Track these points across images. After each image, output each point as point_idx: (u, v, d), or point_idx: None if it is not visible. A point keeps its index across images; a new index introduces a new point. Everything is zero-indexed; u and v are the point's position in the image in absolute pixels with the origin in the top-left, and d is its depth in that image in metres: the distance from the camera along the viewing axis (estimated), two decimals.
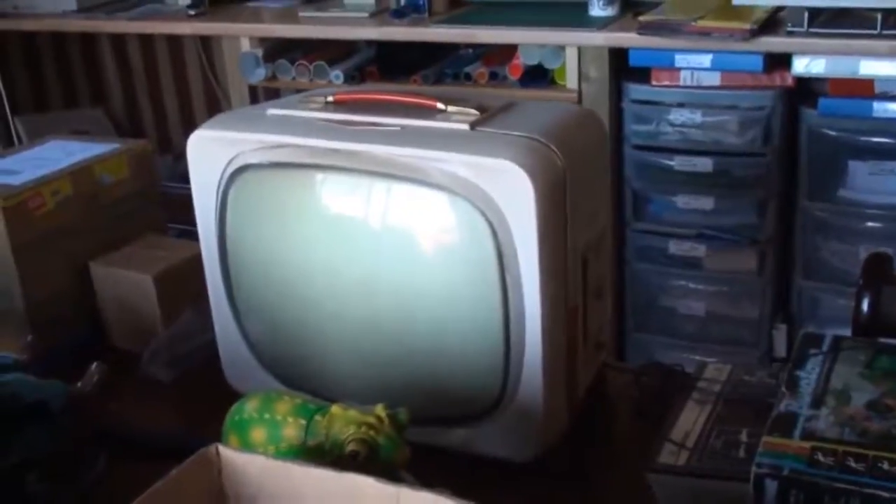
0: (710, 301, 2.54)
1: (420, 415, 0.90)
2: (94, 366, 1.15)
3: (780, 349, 2.51)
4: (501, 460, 1.02)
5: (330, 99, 1.08)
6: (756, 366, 1.15)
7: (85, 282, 1.32)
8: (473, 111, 1.01)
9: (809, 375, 0.94)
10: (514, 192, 0.93)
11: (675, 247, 2.52)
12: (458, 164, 0.95)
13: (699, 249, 2.50)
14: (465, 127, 0.99)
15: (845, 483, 0.79)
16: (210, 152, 1.08)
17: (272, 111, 1.09)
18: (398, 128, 1.01)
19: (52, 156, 1.39)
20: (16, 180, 1.30)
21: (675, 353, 2.52)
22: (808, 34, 2.22)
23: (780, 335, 2.51)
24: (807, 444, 0.83)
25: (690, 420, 1.02)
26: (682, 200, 2.48)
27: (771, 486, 0.82)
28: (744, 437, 0.98)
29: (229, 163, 1.06)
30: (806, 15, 2.21)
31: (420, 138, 0.99)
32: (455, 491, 0.75)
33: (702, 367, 1.12)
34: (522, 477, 1.02)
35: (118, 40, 3.54)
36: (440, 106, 1.03)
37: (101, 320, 1.33)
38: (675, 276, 2.55)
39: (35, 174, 1.31)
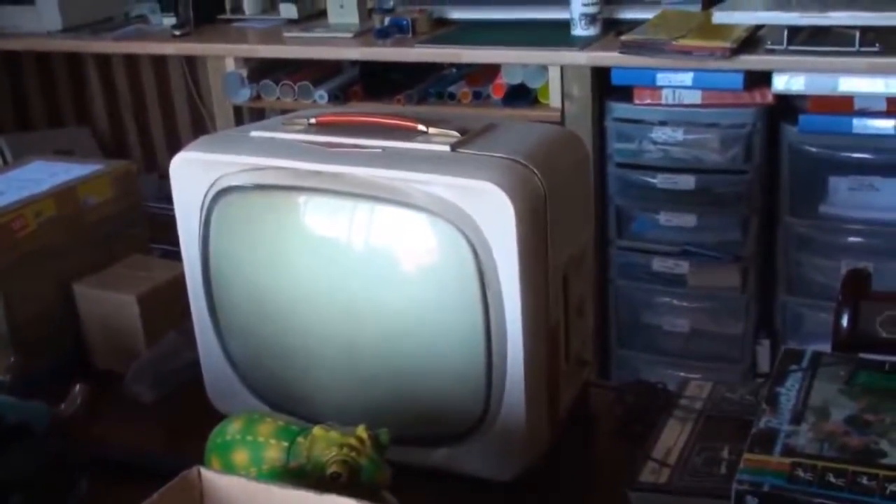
0: (694, 317, 2.55)
1: (403, 434, 0.90)
2: (77, 387, 1.15)
3: (765, 365, 2.52)
4: (483, 479, 1.03)
5: (312, 121, 1.09)
6: (737, 383, 1.16)
7: (68, 303, 1.32)
8: (454, 133, 1.02)
9: (789, 392, 0.94)
10: (495, 212, 0.93)
11: (658, 264, 2.52)
12: (439, 185, 0.96)
13: (682, 266, 2.50)
14: (446, 148, 1.00)
15: (825, 499, 0.80)
16: (193, 174, 1.08)
17: (255, 133, 1.10)
18: (380, 150, 1.02)
19: (36, 177, 1.39)
20: None
21: (660, 370, 2.53)
22: (787, 52, 2.24)
23: (763, 351, 2.52)
24: (787, 461, 0.84)
25: (672, 437, 1.03)
26: (665, 218, 2.49)
27: (752, 503, 0.82)
28: (725, 453, 0.99)
29: (212, 185, 1.07)
30: (785, 33, 2.23)
31: (401, 160, 0.99)
32: None
33: (683, 384, 1.13)
34: (504, 496, 1.02)
35: (103, 60, 3.54)
36: (421, 128, 1.04)
37: (85, 341, 1.33)
38: (659, 293, 2.56)
39: (18, 195, 1.31)
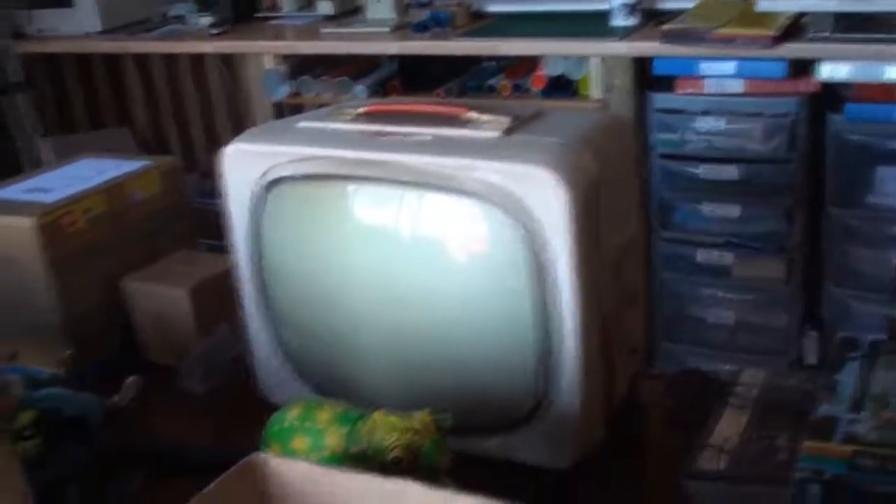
0: (739, 309, 2.53)
1: (456, 423, 0.90)
2: (130, 380, 1.16)
3: (811, 357, 2.49)
4: (538, 468, 1.02)
5: (361, 110, 1.09)
6: (792, 371, 1.15)
7: (119, 297, 1.33)
8: (504, 119, 1.02)
9: (847, 379, 0.93)
10: (548, 198, 0.93)
11: (702, 255, 2.50)
12: (490, 171, 0.95)
13: (727, 258, 2.48)
14: (497, 134, 1.00)
15: (888, 486, 0.79)
16: (243, 165, 1.08)
17: (303, 124, 1.10)
18: (429, 137, 1.01)
19: (84, 174, 1.40)
20: (49, 198, 1.31)
21: (705, 363, 2.51)
22: (832, 39, 2.21)
23: (810, 342, 2.50)
24: (848, 448, 0.83)
25: (728, 425, 1.02)
26: (709, 208, 2.47)
27: (813, 491, 0.81)
28: (783, 441, 0.97)
29: (262, 175, 1.07)
30: (830, 20, 2.20)
31: (452, 147, 0.99)
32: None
33: (738, 372, 1.12)
34: (559, 485, 1.01)
35: (142, 60, 3.57)
36: (471, 114, 1.03)
37: (136, 335, 1.34)
38: (704, 285, 2.54)
39: (67, 192, 1.33)
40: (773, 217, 2.45)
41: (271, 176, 1.06)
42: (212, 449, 1.12)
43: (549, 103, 2.54)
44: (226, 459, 0.83)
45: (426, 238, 1.02)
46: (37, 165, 3.23)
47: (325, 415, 0.88)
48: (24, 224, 1.25)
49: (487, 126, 1.01)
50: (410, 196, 1.01)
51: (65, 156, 1.79)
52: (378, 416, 0.84)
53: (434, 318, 1.02)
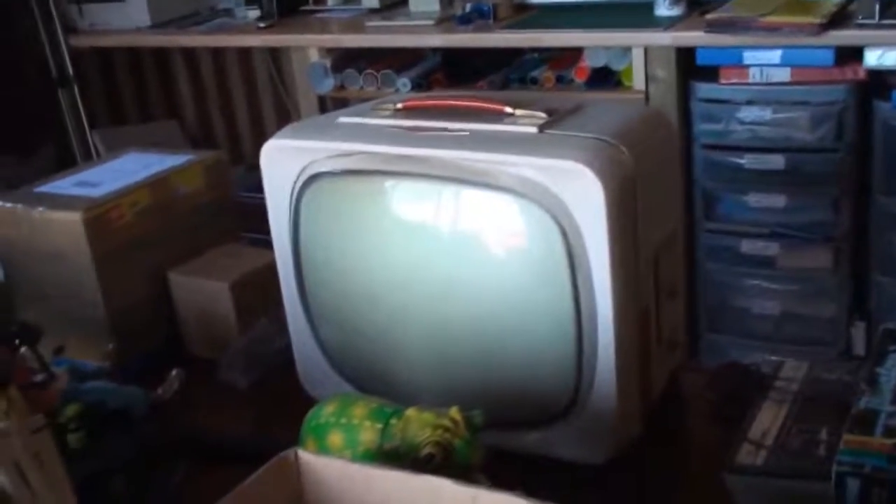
0: (785, 300, 2.50)
1: (493, 418, 0.90)
2: (174, 372, 1.18)
3: (859, 347, 2.46)
4: (574, 463, 1.02)
5: (399, 106, 1.09)
6: (834, 363, 1.13)
7: (163, 291, 1.35)
8: (541, 114, 1.02)
9: (890, 372, 0.92)
10: (584, 193, 0.93)
11: (747, 246, 2.48)
12: (526, 166, 0.95)
13: (772, 248, 2.46)
14: (534, 130, 1.00)
15: None
16: (283, 161, 1.09)
17: (343, 119, 1.11)
18: (467, 132, 1.02)
19: (130, 168, 1.42)
20: (96, 192, 1.33)
21: (750, 354, 2.49)
22: (879, 26, 2.18)
23: (858, 333, 2.46)
24: (889, 442, 0.83)
25: (768, 419, 1.01)
26: (754, 199, 2.44)
27: (853, 485, 0.81)
28: (823, 435, 0.97)
29: (302, 171, 1.08)
30: (877, 6, 2.17)
31: (489, 142, 0.99)
32: (528, 494, 0.75)
33: (779, 365, 1.11)
34: (596, 479, 1.02)
35: (190, 54, 3.60)
36: (508, 110, 1.03)
37: (180, 328, 1.36)
38: (749, 276, 2.51)
39: (114, 186, 1.35)
40: (819, 206, 2.42)
41: (310, 171, 1.07)
42: (254, 441, 1.13)
43: (591, 95, 2.53)
44: (268, 451, 0.84)
45: (463, 233, 1.02)
46: (90, 157, 3.28)
47: (359, 411, 0.89)
48: (72, 218, 1.27)
49: (524, 121, 1.01)
50: (448, 191, 1.01)
51: (114, 148, 1.82)
52: (412, 412, 0.85)
53: (472, 312, 1.03)
